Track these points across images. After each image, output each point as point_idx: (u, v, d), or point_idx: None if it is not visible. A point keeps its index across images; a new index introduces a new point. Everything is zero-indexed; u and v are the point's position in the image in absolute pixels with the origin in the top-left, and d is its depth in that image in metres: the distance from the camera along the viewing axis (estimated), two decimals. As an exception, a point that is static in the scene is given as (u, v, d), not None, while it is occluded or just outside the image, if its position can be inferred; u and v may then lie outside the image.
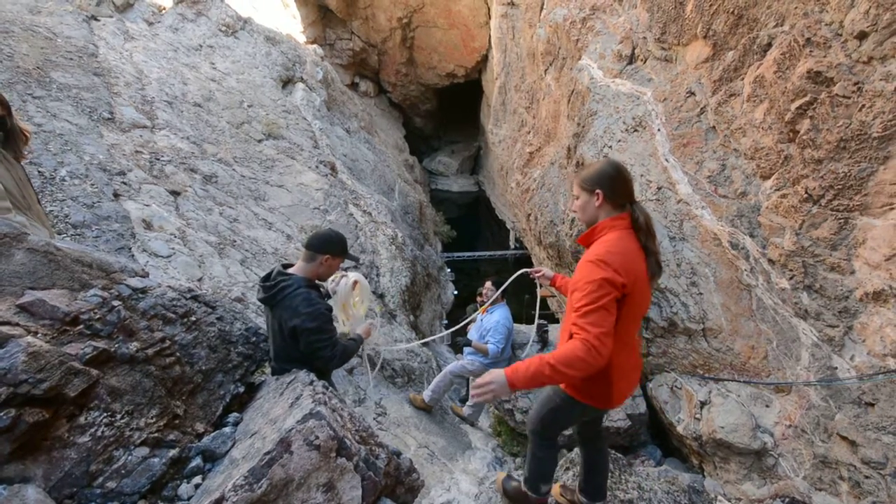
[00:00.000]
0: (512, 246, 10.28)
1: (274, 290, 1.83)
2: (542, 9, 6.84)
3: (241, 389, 1.72)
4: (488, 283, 3.77)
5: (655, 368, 3.52)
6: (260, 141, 6.39)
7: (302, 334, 1.79)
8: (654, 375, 3.54)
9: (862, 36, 2.67)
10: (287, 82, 8.84)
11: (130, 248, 3.12)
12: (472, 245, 11.59)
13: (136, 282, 1.61)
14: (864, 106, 2.66)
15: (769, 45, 3.30)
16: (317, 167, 6.45)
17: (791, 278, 2.96)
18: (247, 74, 8.10)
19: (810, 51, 2.97)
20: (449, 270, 8.67)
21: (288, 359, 1.83)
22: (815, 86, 2.90)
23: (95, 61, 5.99)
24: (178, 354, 1.52)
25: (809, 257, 2.89)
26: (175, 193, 4.15)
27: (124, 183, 3.90)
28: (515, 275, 2.47)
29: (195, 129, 5.74)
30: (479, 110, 13.72)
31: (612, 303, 1.39)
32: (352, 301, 2.24)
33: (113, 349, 1.36)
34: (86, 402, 1.26)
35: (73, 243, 1.96)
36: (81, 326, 1.36)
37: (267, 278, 1.89)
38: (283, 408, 1.38)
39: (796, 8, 3.08)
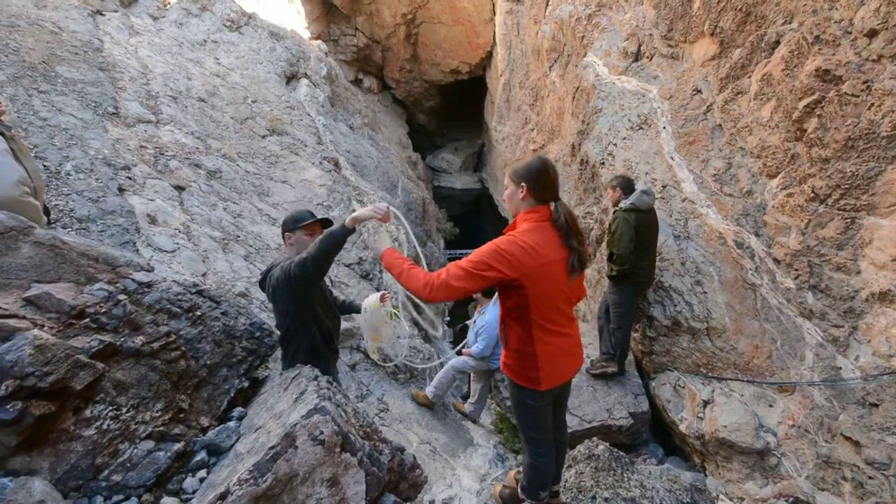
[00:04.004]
0: (515, 243, 10.27)
1: (266, 273, 1.87)
2: (547, 5, 6.80)
3: (246, 384, 1.72)
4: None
5: (658, 367, 3.51)
6: (264, 137, 6.39)
7: (276, 285, 1.74)
8: (656, 374, 3.53)
9: (872, 34, 2.65)
10: (291, 78, 8.83)
11: (135, 243, 3.13)
12: (475, 242, 11.53)
13: (141, 276, 1.62)
14: (872, 105, 2.64)
15: (777, 42, 3.27)
16: (320, 163, 6.44)
17: (796, 278, 2.95)
18: (251, 70, 8.10)
19: (819, 48, 2.94)
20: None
21: (287, 335, 1.83)
22: (824, 84, 2.87)
23: (100, 56, 5.99)
24: (183, 349, 1.53)
25: (815, 257, 2.88)
26: (179, 188, 4.16)
27: (129, 178, 3.91)
28: None
29: (199, 124, 5.74)
30: (482, 107, 13.67)
31: (483, 278, 1.53)
32: (383, 319, 2.16)
33: (119, 343, 1.37)
34: (92, 395, 1.27)
35: (78, 237, 1.97)
36: (87, 320, 1.36)
37: (267, 270, 1.91)
38: (287, 402, 1.38)
39: (805, 5, 3.05)
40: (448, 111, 15.44)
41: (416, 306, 3.31)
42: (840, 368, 2.63)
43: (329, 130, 8.05)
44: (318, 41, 11.04)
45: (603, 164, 4.49)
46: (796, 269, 2.95)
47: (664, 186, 3.80)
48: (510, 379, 1.78)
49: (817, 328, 2.84)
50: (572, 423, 3.18)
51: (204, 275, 3.19)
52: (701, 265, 3.28)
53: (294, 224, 1.98)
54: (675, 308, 3.28)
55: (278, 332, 1.85)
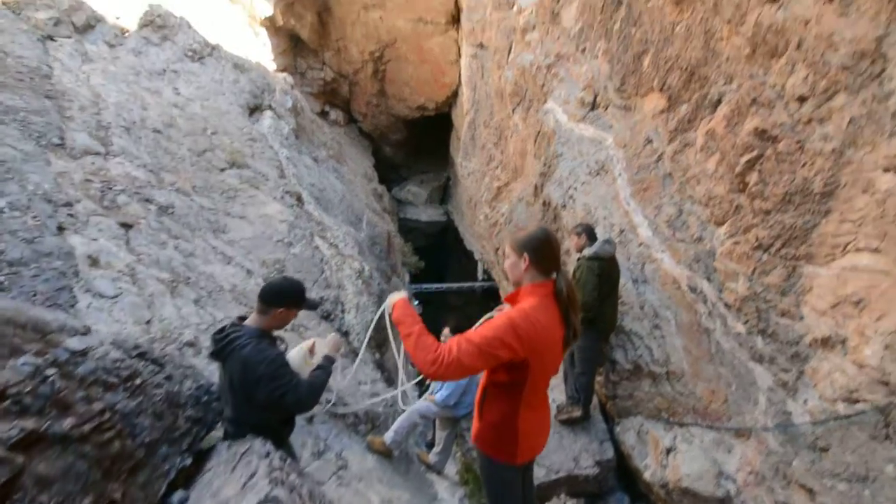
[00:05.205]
0: (480, 278, 10.31)
1: (223, 342, 1.73)
2: (509, 52, 7.13)
3: (189, 461, 1.57)
4: (446, 330, 3.68)
5: (622, 412, 3.54)
6: (223, 170, 6.20)
7: (258, 386, 1.69)
8: (621, 419, 3.56)
9: (802, 99, 2.90)
10: (255, 110, 8.71)
11: (72, 289, 2.89)
12: (441, 275, 11.53)
13: (75, 342, 1.46)
14: (806, 163, 2.87)
15: (719, 101, 3.54)
16: (282, 197, 6.29)
17: (746, 322, 3.09)
18: (212, 101, 7.93)
19: (756, 109, 3.19)
20: (417, 303, 8.60)
21: (243, 422, 1.71)
22: (762, 142, 3.11)
23: (48, 83, 5.70)
24: (118, 427, 1.37)
25: (762, 303, 3.03)
26: (126, 226, 3.92)
27: (70, 215, 3.64)
28: (480, 321, 2.42)
29: (153, 156, 5.51)
30: (448, 141, 13.96)
31: (494, 357, 1.47)
32: (309, 370, 2.10)
33: (44, 428, 1.21)
34: (8, 494, 1.10)
35: (4, 298, 1.78)
36: (9, 402, 1.20)
37: (220, 332, 1.78)
38: (234, 488, 1.26)
39: (743, 69, 3.32)
40: (414, 144, 15.65)
41: (379, 346, 3.21)
42: (791, 413, 2.73)
43: (293, 163, 7.93)
44: (285, 74, 11.02)
45: (564, 206, 4.64)
46: (746, 314, 3.10)
47: (621, 231, 3.94)
48: (483, 453, 1.71)
49: (768, 372, 2.96)
50: (539, 473, 3.12)
51: (148, 322, 2.97)
52: (658, 309, 3.38)
53: (296, 303, 1.89)
54: (636, 352, 3.35)
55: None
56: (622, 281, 3.46)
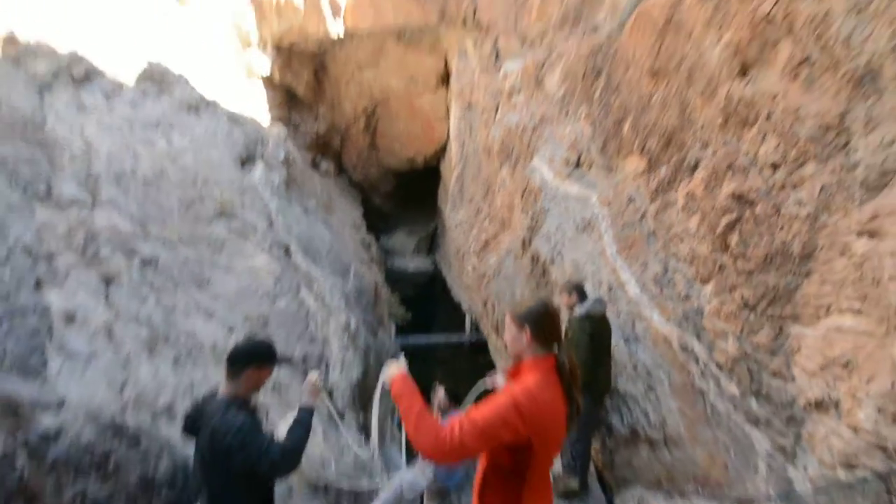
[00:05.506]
0: (468, 330, 10.16)
1: (195, 416, 1.64)
2: (496, 112, 7.49)
3: (157, 553, 1.43)
4: (441, 393, 3.57)
5: (621, 482, 3.41)
6: (211, 221, 6.18)
7: (229, 458, 1.58)
8: (620, 490, 3.42)
9: (774, 166, 3.05)
10: (247, 161, 8.84)
11: (45, 349, 2.74)
12: (428, 326, 11.36)
13: (48, 419, 1.36)
14: (783, 227, 2.97)
15: (696, 165, 3.70)
16: (270, 248, 6.26)
17: (739, 383, 3.06)
18: (205, 152, 8.04)
19: (732, 174, 3.34)
20: (402, 355, 8.38)
21: (219, 502, 1.58)
22: (740, 205, 3.23)
23: (41, 133, 5.75)
24: (82, 515, 1.26)
25: (753, 363, 3.02)
26: (107, 280, 3.81)
27: (50, 268, 3.54)
28: (475, 391, 2.35)
29: (141, 207, 5.48)
30: (436, 192, 14.27)
31: (495, 437, 1.41)
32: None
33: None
34: None
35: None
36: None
37: (194, 406, 1.70)
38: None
39: (717, 137, 3.51)
40: (403, 194, 15.95)
41: (364, 406, 3.07)
42: (792, 480, 2.65)
43: (282, 213, 7.95)
44: (279, 125, 11.33)
45: (553, 262, 4.69)
46: (738, 375, 3.08)
47: (610, 288, 3.98)
48: None
49: (765, 436, 2.90)
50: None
51: (123, 385, 2.81)
52: (651, 369, 3.35)
53: (267, 360, 1.81)
54: (632, 416, 3.27)
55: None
56: (613, 340, 3.45)
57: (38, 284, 3.29)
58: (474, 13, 8.13)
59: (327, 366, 4.60)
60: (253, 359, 1.80)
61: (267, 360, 1.85)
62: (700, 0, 3.28)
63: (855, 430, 2.54)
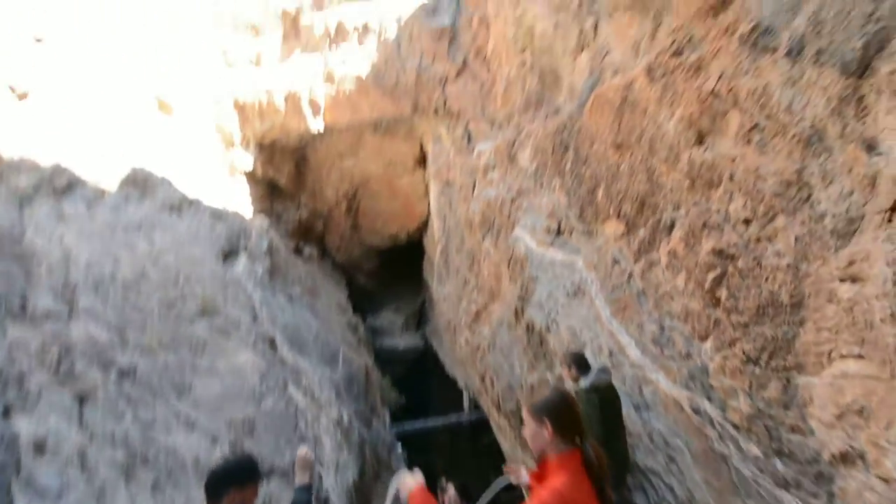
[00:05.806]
0: (467, 409, 9.67)
1: None
2: (474, 188, 7.82)
3: None
4: (451, 491, 3.30)
5: (656, 572, 3.11)
6: (193, 320, 5.99)
7: None
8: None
9: (747, 221, 3.18)
10: (230, 254, 8.83)
11: (10, 487, 2.47)
12: (424, 407, 10.80)
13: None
14: (767, 278, 3.04)
15: (673, 225, 3.85)
16: (254, 344, 6.04)
17: (759, 443, 2.93)
18: (187, 249, 8.02)
19: (708, 232, 3.46)
20: (399, 445, 7.83)
21: None
22: (722, 260, 3.31)
23: (18, 246, 5.68)
24: None
25: (768, 419, 2.92)
26: (82, 398, 3.56)
27: (21, 392, 3.31)
28: (493, 488, 2.18)
29: (120, 313, 5.31)
30: (421, 266, 14.36)
31: None
32: None
33: None
34: None
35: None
36: None
37: None
38: None
39: (687, 198, 3.69)
40: (387, 271, 15.99)
41: None
42: (837, 549, 2.46)
43: (266, 304, 7.80)
44: (261, 217, 11.51)
45: (549, 330, 4.64)
46: (756, 434, 2.96)
47: (611, 353, 3.92)
48: None
49: (797, 499, 2.74)
50: None
51: (97, 521, 2.52)
52: (668, 438, 3.21)
53: (233, 482, 1.65)
54: (658, 494, 3.06)
55: None
56: (624, 410, 3.32)
57: (7, 411, 3.04)
58: (445, 103, 8.81)
59: (320, 468, 4.24)
60: (232, 480, 1.66)
61: (248, 478, 1.72)
62: (649, 81, 3.63)
63: (886, 480, 2.42)
